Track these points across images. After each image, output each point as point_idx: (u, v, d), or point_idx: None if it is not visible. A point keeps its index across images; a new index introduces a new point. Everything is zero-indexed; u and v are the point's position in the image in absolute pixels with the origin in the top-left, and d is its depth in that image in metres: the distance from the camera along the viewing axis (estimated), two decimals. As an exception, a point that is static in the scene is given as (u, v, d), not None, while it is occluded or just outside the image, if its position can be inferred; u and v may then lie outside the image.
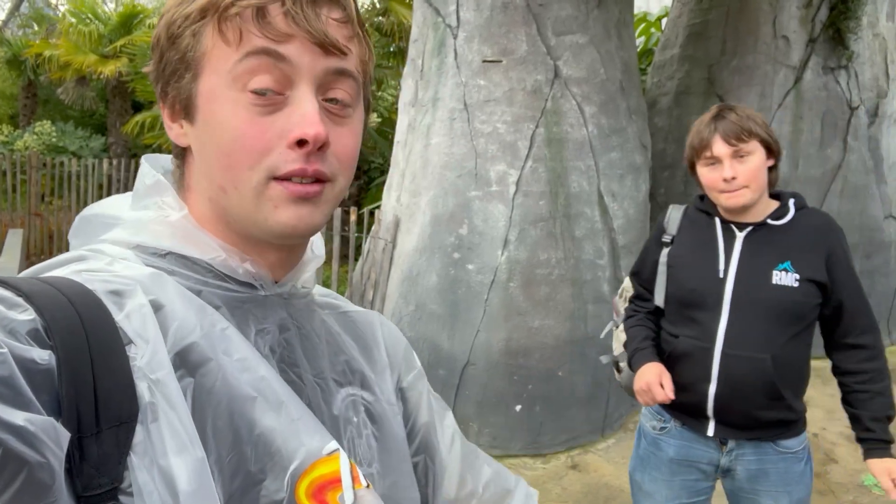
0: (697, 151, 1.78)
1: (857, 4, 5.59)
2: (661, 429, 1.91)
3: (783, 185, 5.66)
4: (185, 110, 0.61)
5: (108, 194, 9.28)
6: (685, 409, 1.85)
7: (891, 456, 1.74)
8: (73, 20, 12.06)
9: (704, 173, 1.77)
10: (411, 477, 0.75)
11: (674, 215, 1.93)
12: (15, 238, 7.31)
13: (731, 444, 1.81)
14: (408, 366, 0.84)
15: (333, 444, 0.57)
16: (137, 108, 12.57)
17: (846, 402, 1.84)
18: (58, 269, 0.58)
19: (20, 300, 0.51)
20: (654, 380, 1.81)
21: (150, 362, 0.52)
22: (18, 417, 0.43)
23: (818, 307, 1.76)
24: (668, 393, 1.79)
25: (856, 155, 5.84)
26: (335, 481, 0.56)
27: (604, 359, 2.27)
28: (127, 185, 9.52)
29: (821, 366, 5.86)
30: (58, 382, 0.48)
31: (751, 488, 1.84)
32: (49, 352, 0.48)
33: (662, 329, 1.93)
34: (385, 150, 8.73)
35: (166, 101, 0.63)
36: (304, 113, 0.58)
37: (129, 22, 11.98)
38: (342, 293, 5.24)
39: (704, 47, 5.73)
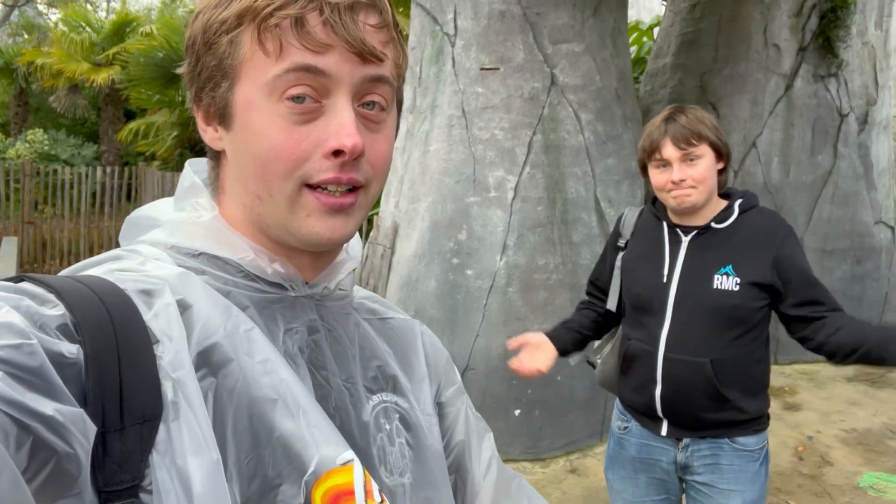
0: (648, 154, 1.79)
1: (846, 13, 5.68)
2: (624, 428, 1.95)
3: (775, 191, 5.74)
4: (222, 117, 0.62)
5: (101, 202, 9.24)
6: (639, 409, 1.90)
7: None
8: (65, 28, 12.05)
9: (654, 175, 1.79)
10: (449, 495, 0.73)
11: (629, 219, 1.95)
12: (10, 246, 7.28)
13: (685, 440, 1.82)
14: (448, 379, 0.83)
15: (348, 455, 0.57)
16: (130, 115, 12.55)
17: (824, 352, 1.73)
18: (93, 268, 0.59)
19: (51, 296, 0.52)
20: (519, 342, 1.95)
21: (171, 361, 0.52)
22: (48, 407, 0.44)
23: (764, 309, 1.75)
24: (541, 368, 1.91)
25: (846, 161, 5.92)
26: (349, 493, 0.56)
27: (572, 360, 2.33)
28: (120, 193, 9.50)
29: (814, 369, 5.92)
30: (84, 377, 0.48)
31: (705, 485, 1.83)
32: (77, 346, 0.49)
33: (623, 332, 1.99)
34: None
35: (200, 106, 0.64)
36: (340, 122, 0.58)
37: (121, 30, 11.98)
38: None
39: (696, 56, 5.80)
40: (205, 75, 0.61)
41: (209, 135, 0.65)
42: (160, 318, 0.54)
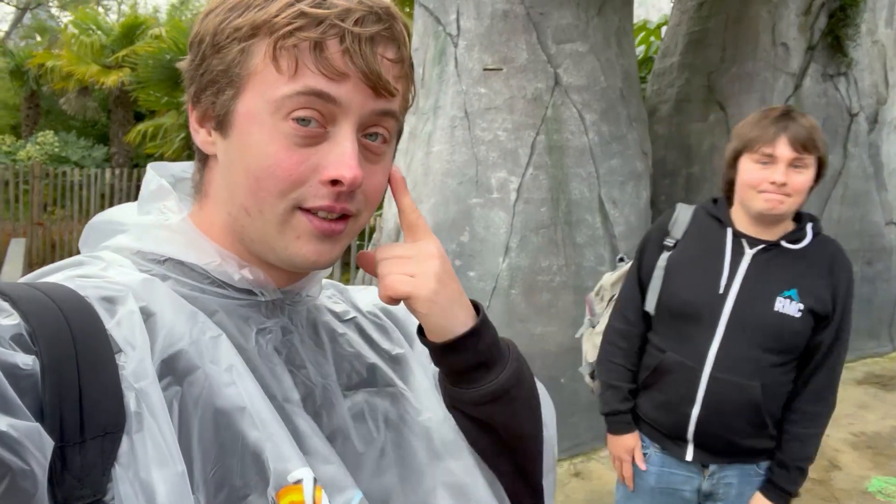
0: (753, 144, 1.63)
1: (855, 11, 5.61)
2: (644, 455, 1.82)
3: (784, 191, 5.67)
4: (219, 123, 0.61)
5: (111, 204, 9.35)
6: (664, 429, 1.76)
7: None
8: (76, 31, 12.14)
9: (751, 169, 1.63)
10: (469, 458, 0.70)
11: (681, 217, 1.79)
12: (17, 247, 7.33)
13: (712, 467, 1.73)
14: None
15: (298, 474, 0.55)
16: (139, 117, 12.63)
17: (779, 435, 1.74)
18: (53, 274, 0.58)
19: (5, 305, 0.50)
20: (627, 457, 1.76)
21: (135, 370, 0.51)
22: (1, 423, 0.42)
23: (812, 338, 1.68)
24: (640, 464, 1.76)
25: (856, 161, 5.85)
26: None
27: (584, 370, 2.13)
28: (129, 195, 9.55)
29: (823, 372, 5.73)
30: (41, 389, 0.47)
31: None
32: (33, 357, 0.47)
33: (649, 340, 1.82)
34: (386, 158, 8.74)
35: (197, 106, 0.63)
36: (342, 153, 0.57)
37: (131, 32, 12.06)
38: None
39: (704, 55, 5.75)
40: (208, 78, 0.60)
41: (201, 136, 0.63)
42: (123, 327, 0.52)
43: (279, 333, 0.64)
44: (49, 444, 0.44)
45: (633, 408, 1.83)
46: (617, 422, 1.81)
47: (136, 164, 12.43)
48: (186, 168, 0.71)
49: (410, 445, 0.69)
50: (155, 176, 0.67)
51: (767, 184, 1.60)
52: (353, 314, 0.78)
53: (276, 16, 0.55)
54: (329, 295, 0.79)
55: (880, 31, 6.02)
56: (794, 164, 1.59)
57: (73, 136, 12.89)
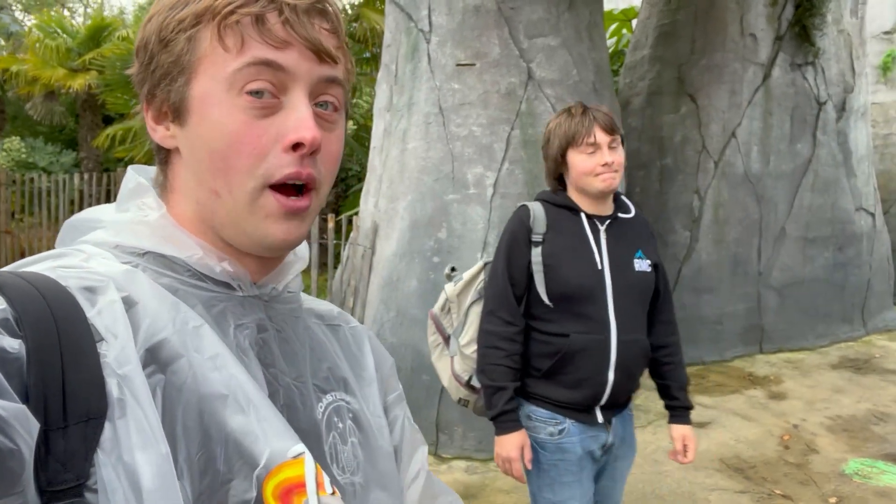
0: (575, 139, 1.86)
1: (821, 1, 5.70)
2: (560, 431, 1.88)
3: (755, 181, 5.76)
4: (176, 113, 0.62)
5: (81, 209, 9.20)
6: (578, 404, 1.87)
7: (689, 423, 1.99)
8: (40, 34, 11.88)
9: (582, 160, 1.86)
10: (399, 496, 0.74)
11: (538, 214, 1.92)
12: (-15, 257, 7.17)
13: (613, 421, 1.93)
14: (390, 386, 0.84)
15: (299, 448, 0.57)
16: (108, 121, 12.42)
17: (656, 374, 2.04)
18: (35, 265, 0.58)
19: None
20: (516, 455, 1.85)
21: (117, 357, 0.51)
22: None
23: (655, 286, 1.98)
24: (526, 464, 1.86)
25: (825, 149, 5.95)
26: (300, 485, 0.56)
27: (451, 389, 2.14)
28: (99, 200, 9.39)
29: (798, 357, 5.96)
30: (26, 373, 0.47)
31: (613, 457, 1.96)
32: (20, 341, 0.48)
33: (538, 333, 1.89)
34: (362, 157, 8.71)
35: (153, 103, 0.64)
36: (299, 117, 0.60)
37: (97, 35, 11.83)
38: (322, 301, 5.19)
39: (674, 47, 5.81)
40: (160, 72, 0.61)
41: (160, 133, 0.64)
42: (104, 316, 0.53)
43: (254, 330, 0.65)
44: (35, 425, 0.45)
45: (535, 396, 1.92)
46: (506, 421, 1.87)
47: (106, 168, 12.22)
48: None
49: (375, 451, 0.72)
50: (134, 175, 0.67)
51: (600, 167, 1.84)
52: (339, 322, 0.81)
53: (216, 1, 0.59)
54: (318, 306, 0.81)
55: (845, 21, 6.12)
56: (610, 146, 1.85)
57: (40, 141, 12.65)
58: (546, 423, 1.89)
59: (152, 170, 0.70)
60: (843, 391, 4.84)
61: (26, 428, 0.44)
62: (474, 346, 2.00)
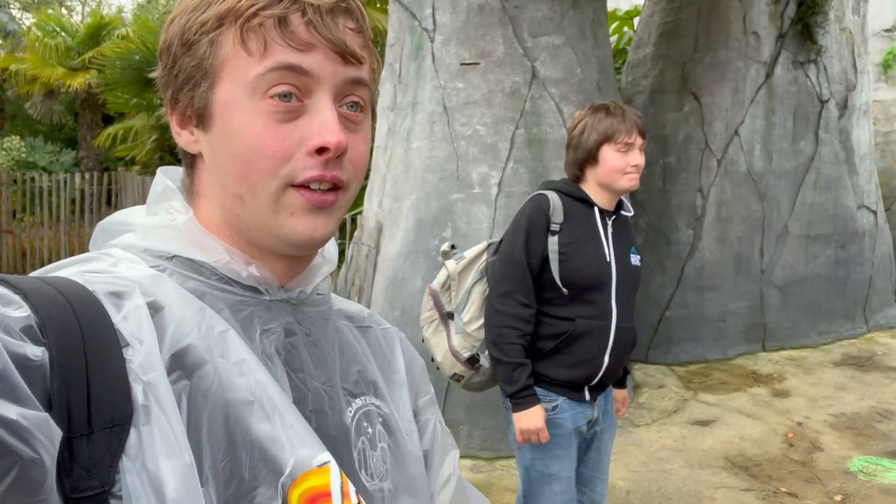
0: (615, 136, 1.95)
1: (823, -1, 5.70)
2: (553, 408, 2.02)
3: (758, 178, 5.76)
4: (199, 118, 0.61)
5: (81, 210, 9.16)
6: (573, 383, 2.03)
7: (625, 386, 2.30)
8: (39, 33, 11.86)
9: (615, 157, 1.96)
10: (428, 502, 0.73)
11: (556, 204, 2.02)
12: (-13, 256, 7.15)
13: (598, 399, 2.11)
14: (422, 389, 0.83)
15: (325, 457, 0.56)
16: (108, 120, 12.40)
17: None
18: (63, 269, 0.58)
19: (17, 297, 0.50)
20: (543, 424, 1.97)
21: (142, 364, 0.51)
22: (11, 411, 0.43)
23: None
24: (544, 434, 1.98)
25: (827, 147, 5.95)
26: (326, 494, 0.55)
27: (445, 365, 2.21)
28: (100, 200, 9.38)
29: (801, 355, 5.96)
30: (49, 380, 0.47)
31: (598, 430, 2.14)
32: (43, 349, 0.48)
33: (545, 316, 2.02)
34: (363, 155, 8.67)
35: (176, 108, 0.63)
36: (324, 120, 0.59)
37: (97, 33, 11.81)
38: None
39: (677, 45, 5.80)
40: (183, 76, 0.61)
41: (184, 138, 0.64)
42: (130, 321, 0.53)
43: (282, 334, 0.64)
44: (58, 433, 0.45)
45: (535, 374, 2.04)
46: (527, 395, 1.98)
47: (106, 167, 12.21)
48: None
49: (405, 456, 0.71)
50: (162, 178, 0.67)
51: (630, 167, 1.95)
52: (369, 324, 0.80)
53: (239, 2, 0.58)
54: (348, 307, 0.80)
55: (848, 19, 6.11)
56: (641, 148, 1.97)
57: (40, 140, 12.62)
58: (542, 399, 2.00)
59: (180, 171, 0.69)
60: (846, 388, 4.85)
61: (48, 436, 0.44)
62: (475, 325, 2.11)
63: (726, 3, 5.60)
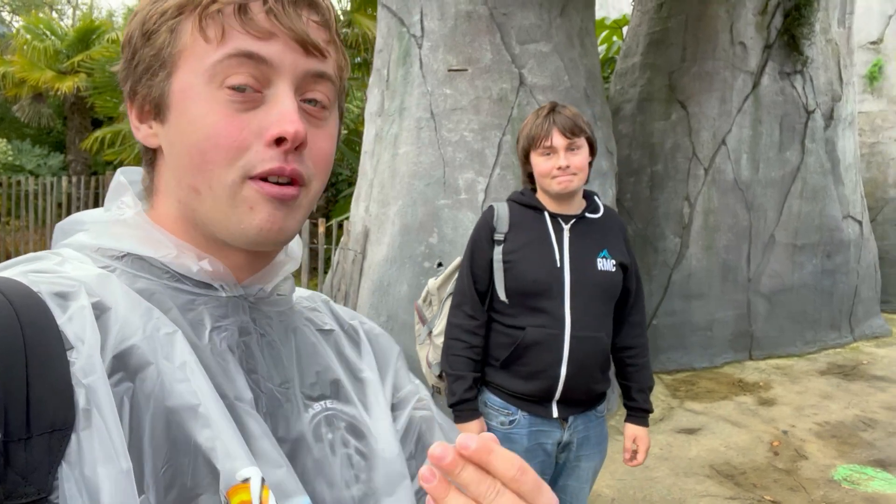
0: (535, 142, 1.91)
1: (809, 11, 5.76)
2: (511, 422, 1.96)
3: (745, 188, 5.79)
4: (157, 109, 0.60)
5: (68, 213, 9.08)
6: (532, 396, 1.94)
7: (645, 425, 2.04)
8: (28, 36, 11.79)
9: (539, 162, 1.92)
10: (409, 499, 0.69)
11: (502, 214, 2.00)
12: (-30, 260, 7.08)
13: (570, 419, 1.97)
14: (401, 380, 0.79)
15: (247, 472, 0.53)
16: (97, 124, 12.33)
17: (620, 374, 2.09)
18: (8, 269, 0.56)
19: None
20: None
21: (83, 366, 0.49)
22: None
23: (623, 286, 2.03)
24: None
25: (813, 157, 5.99)
26: None
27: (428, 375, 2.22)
28: (87, 204, 9.31)
29: (787, 364, 5.98)
30: None
31: (576, 456, 2.00)
32: None
33: (499, 325, 1.98)
34: (353, 161, 8.69)
35: (135, 101, 0.61)
36: (282, 110, 0.57)
37: (87, 37, 11.75)
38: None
39: (665, 55, 5.84)
40: (141, 67, 0.59)
41: (143, 132, 0.62)
42: (74, 322, 0.51)
43: (235, 333, 0.62)
44: None
45: (493, 385, 2.00)
46: (464, 409, 1.95)
47: (94, 171, 12.13)
48: None
49: (376, 458, 0.68)
50: (118, 176, 0.65)
51: (556, 170, 1.89)
52: (331, 327, 0.76)
53: None
54: (311, 306, 0.77)
55: (833, 30, 6.18)
56: (569, 149, 1.89)
57: (27, 143, 12.53)
58: (499, 411, 1.97)
59: (139, 170, 0.68)
60: (831, 397, 4.87)
61: None
62: (443, 338, 2.08)
63: (713, 13, 5.65)
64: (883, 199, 7.70)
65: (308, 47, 0.59)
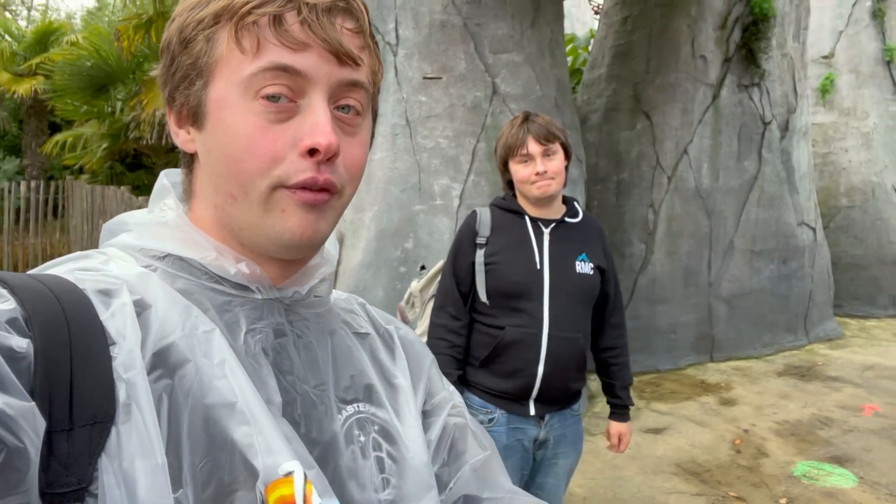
0: (512, 150, 1.99)
1: (766, 26, 5.99)
2: (490, 420, 2.02)
3: (706, 195, 5.98)
4: (194, 117, 0.61)
5: (26, 218, 8.77)
6: (510, 394, 2.00)
7: (627, 420, 2.16)
8: (-17, 37, 11.48)
9: (518, 169, 1.99)
10: None
11: (484, 219, 2.07)
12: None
13: (547, 416, 2.03)
14: (435, 387, 0.80)
15: (289, 466, 0.54)
16: (54, 128, 12.04)
17: (602, 373, 2.18)
18: (55, 267, 0.58)
19: (3, 291, 0.50)
20: None
21: (123, 361, 0.51)
22: None
23: (602, 289, 2.10)
24: None
25: (770, 167, 6.23)
26: None
27: None
28: (46, 209, 9.09)
29: (746, 365, 6.15)
30: (32, 372, 0.47)
31: (553, 454, 2.06)
32: (28, 341, 0.47)
33: (480, 325, 2.04)
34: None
35: (173, 107, 0.62)
36: (316, 122, 0.58)
37: (45, 39, 11.49)
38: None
39: (630, 66, 6.01)
40: (179, 74, 0.60)
41: (181, 137, 0.63)
42: (116, 319, 0.53)
43: (271, 335, 0.63)
44: (42, 424, 0.45)
45: (472, 384, 2.05)
46: None
47: (51, 176, 11.83)
48: None
49: (406, 463, 0.68)
50: (161, 178, 0.67)
51: (534, 176, 1.96)
52: (367, 330, 0.77)
53: (235, 0, 0.57)
54: (348, 308, 0.78)
55: (789, 45, 6.44)
56: (545, 154, 1.96)
57: (-19, 147, 12.17)
58: (478, 410, 2.02)
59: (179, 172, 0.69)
60: (789, 397, 5.06)
61: (33, 426, 0.44)
62: (426, 338, 2.12)
63: (676, 27, 5.84)
64: (835, 207, 8.02)
65: (342, 57, 0.59)
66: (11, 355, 0.45)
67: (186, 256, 0.61)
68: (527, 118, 2.00)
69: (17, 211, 8.99)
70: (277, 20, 0.57)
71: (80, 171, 10.69)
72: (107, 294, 0.54)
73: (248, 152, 0.57)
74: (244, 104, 0.57)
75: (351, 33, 0.60)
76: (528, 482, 2.11)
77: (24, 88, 10.68)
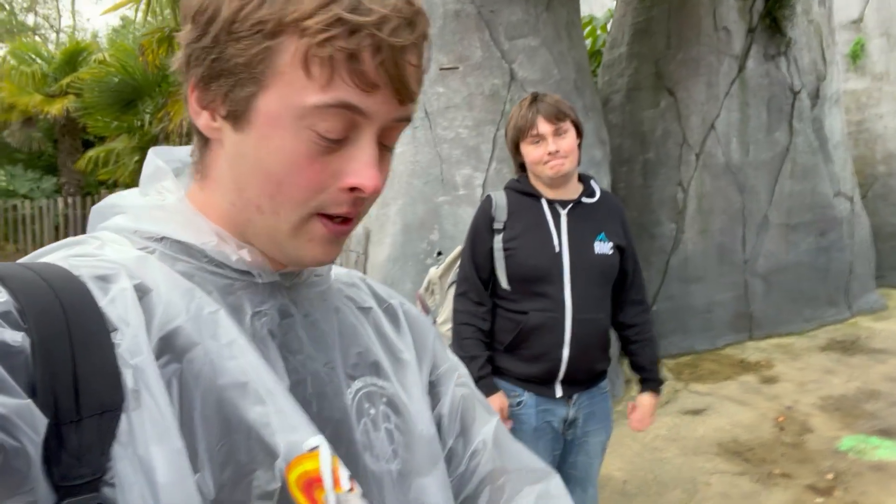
0: (523, 132, 1.97)
1: (790, -7, 5.84)
2: (518, 403, 2.03)
3: (736, 170, 5.86)
4: (233, 115, 0.57)
5: (65, 235, 9.08)
6: (537, 378, 2.01)
7: (656, 392, 2.16)
8: (14, 61, 11.82)
9: (530, 151, 1.97)
10: (441, 480, 0.70)
11: (500, 203, 2.05)
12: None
13: (574, 396, 2.04)
14: (439, 358, 0.80)
15: (314, 441, 0.54)
16: (87, 145, 12.34)
17: (627, 350, 2.18)
18: (48, 255, 0.57)
19: None
20: (502, 409, 1.99)
21: (129, 347, 0.50)
22: None
23: (621, 267, 2.08)
24: (505, 422, 1.95)
25: (802, 137, 6.07)
26: (318, 479, 0.54)
27: None
28: (84, 224, 9.33)
29: (787, 342, 6.03)
30: (32, 366, 0.45)
31: (583, 432, 2.07)
32: (22, 334, 0.46)
33: (503, 310, 2.04)
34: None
35: (205, 92, 0.58)
36: (365, 162, 0.57)
37: (73, 59, 11.79)
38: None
39: (650, 43, 5.91)
40: (222, 66, 0.56)
41: (203, 120, 0.60)
42: (117, 304, 0.51)
43: (276, 316, 0.62)
44: (42, 421, 0.44)
45: (498, 369, 2.06)
46: (483, 386, 1.99)
47: (88, 192, 12.14)
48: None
49: (414, 436, 0.69)
50: (153, 158, 0.65)
51: (546, 156, 1.93)
52: (369, 304, 0.76)
53: (309, 17, 0.52)
54: (350, 282, 0.77)
55: (815, 11, 6.26)
56: (556, 134, 1.94)
57: (19, 168, 12.52)
58: (506, 395, 2.02)
59: (178, 151, 0.67)
60: (832, 372, 4.94)
61: (31, 424, 0.43)
62: (448, 325, 2.14)
63: (696, 0, 5.73)
64: (873, 176, 7.79)
65: (404, 98, 0.57)
66: (5, 350, 0.44)
67: (185, 240, 0.60)
68: (535, 99, 1.98)
69: (57, 227, 9.25)
70: (353, 57, 0.53)
71: (115, 185, 10.95)
72: (104, 280, 0.52)
73: (290, 179, 0.56)
74: (296, 129, 0.55)
75: (414, 69, 0.57)
76: (561, 462, 2.11)
77: (56, 108, 10.97)
